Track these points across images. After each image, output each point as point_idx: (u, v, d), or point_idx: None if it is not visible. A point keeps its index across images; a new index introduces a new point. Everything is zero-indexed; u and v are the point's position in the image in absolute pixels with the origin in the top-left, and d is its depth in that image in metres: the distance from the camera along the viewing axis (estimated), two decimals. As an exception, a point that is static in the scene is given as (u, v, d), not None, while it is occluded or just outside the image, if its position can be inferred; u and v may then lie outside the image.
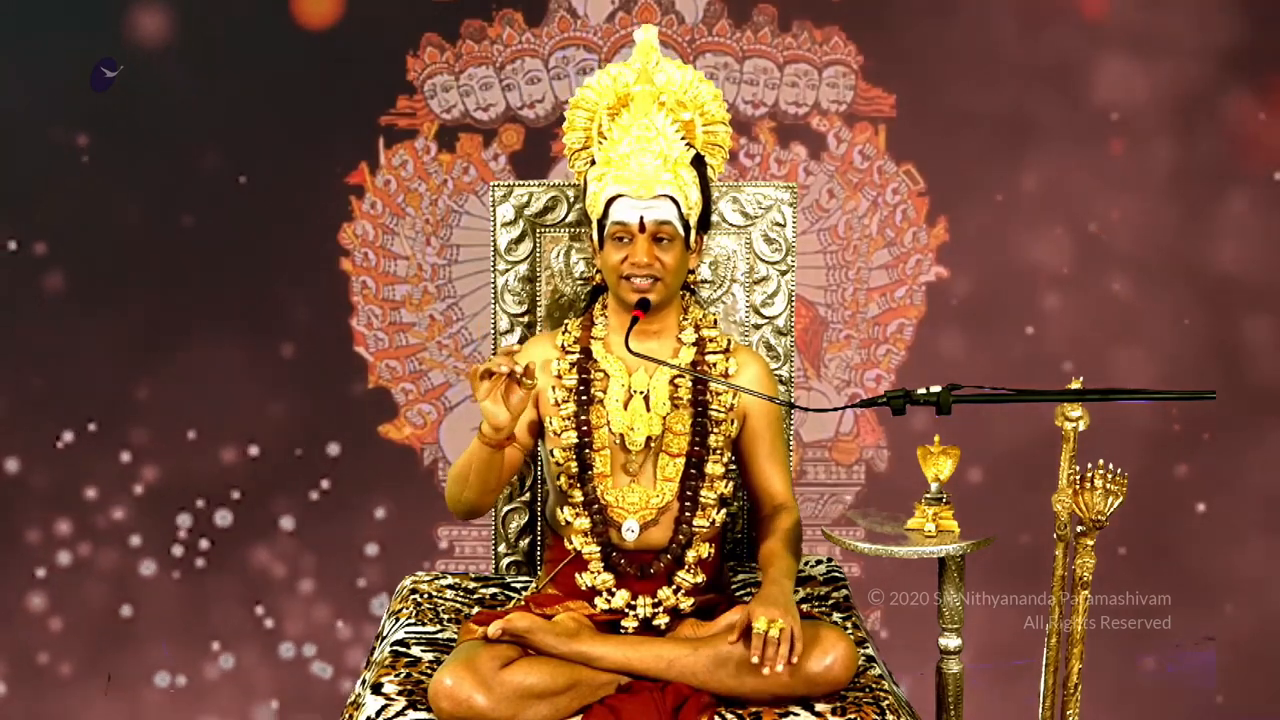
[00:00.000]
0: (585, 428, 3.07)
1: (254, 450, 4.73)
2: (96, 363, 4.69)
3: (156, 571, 4.73)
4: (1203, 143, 4.71)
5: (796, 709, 2.85)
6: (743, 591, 3.31)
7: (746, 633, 2.83)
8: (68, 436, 4.71)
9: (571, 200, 3.40)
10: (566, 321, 3.20)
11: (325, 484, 4.74)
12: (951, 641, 3.05)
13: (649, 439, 3.08)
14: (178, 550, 4.73)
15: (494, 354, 3.22)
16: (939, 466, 3.01)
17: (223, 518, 4.73)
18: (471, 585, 3.41)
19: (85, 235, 4.68)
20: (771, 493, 3.17)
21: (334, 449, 4.73)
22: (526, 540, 3.50)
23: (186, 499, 4.73)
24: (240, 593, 4.75)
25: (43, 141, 4.66)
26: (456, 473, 3.01)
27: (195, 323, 4.70)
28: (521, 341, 3.38)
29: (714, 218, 3.37)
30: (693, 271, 3.18)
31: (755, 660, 2.80)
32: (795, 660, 2.81)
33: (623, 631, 3.02)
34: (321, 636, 4.77)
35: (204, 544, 4.74)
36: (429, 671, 2.96)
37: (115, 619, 4.73)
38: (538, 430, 3.15)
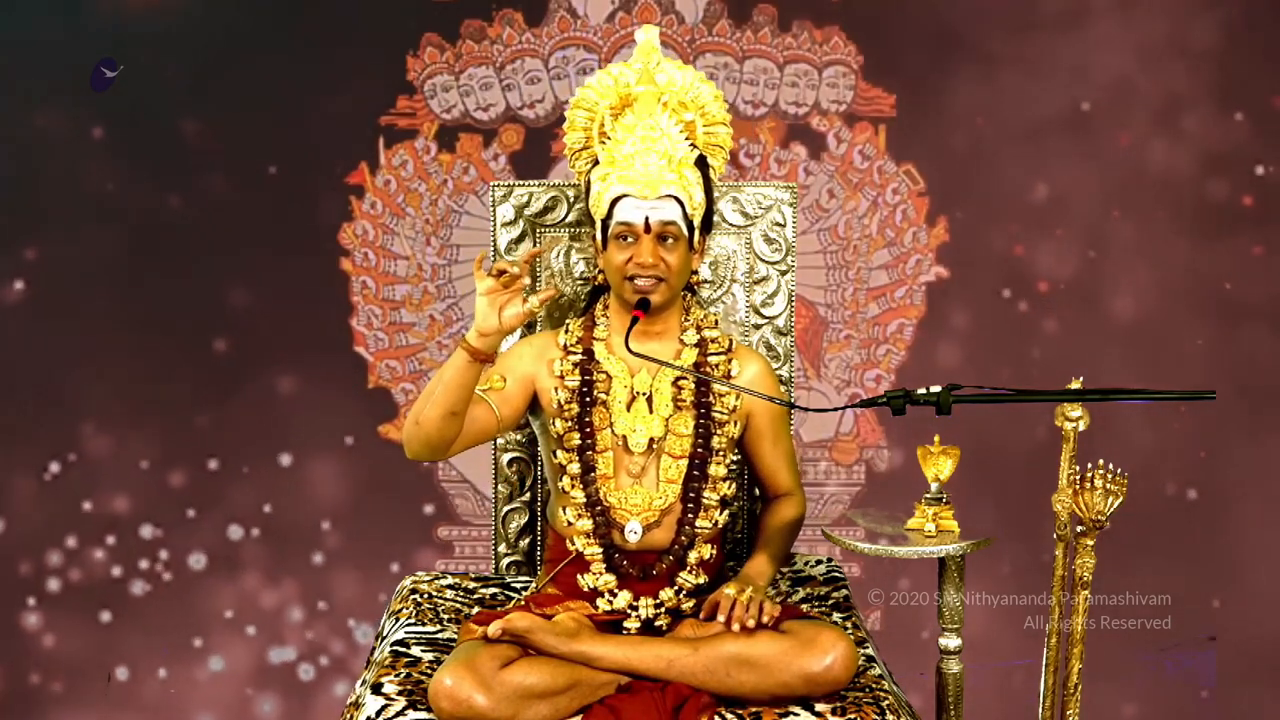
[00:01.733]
0: (588, 429, 3.07)
1: (247, 446, 4.73)
2: (91, 365, 4.69)
3: (171, 565, 4.76)
4: (1205, 141, 4.71)
5: (796, 709, 2.85)
6: (743, 591, 3.31)
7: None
8: (68, 461, 4.73)
9: (571, 200, 3.40)
10: (568, 321, 3.20)
11: (323, 484, 4.74)
12: (951, 641, 3.05)
13: (651, 440, 3.08)
14: (182, 550, 4.76)
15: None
16: (939, 466, 3.01)
17: (222, 518, 4.75)
18: (471, 585, 3.40)
19: (79, 235, 4.68)
20: (776, 484, 3.22)
21: (333, 449, 4.73)
22: (526, 540, 3.50)
23: (182, 501, 4.75)
24: (237, 588, 4.75)
25: (38, 137, 4.67)
26: (424, 391, 2.99)
27: (195, 323, 4.70)
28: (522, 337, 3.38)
29: (714, 218, 3.37)
30: (695, 272, 3.18)
31: (721, 619, 2.87)
32: (765, 621, 2.87)
33: (624, 632, 3.02)
34: (318, 634, 4.77)
35: (208, 542, 4.75)
36: (429, 671, 2.96)
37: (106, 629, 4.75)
38: (523, 415, 3.14)
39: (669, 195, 3.02)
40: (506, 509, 3.49)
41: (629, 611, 3.04)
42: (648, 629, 3.04)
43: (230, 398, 4.71)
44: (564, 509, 3.09)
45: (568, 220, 3.41)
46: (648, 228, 3.02)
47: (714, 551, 3.10)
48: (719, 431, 3.10)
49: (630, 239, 3.04)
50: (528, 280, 2.89)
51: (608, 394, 3.10)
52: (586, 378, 3.10)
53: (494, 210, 3.42)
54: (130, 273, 4.68)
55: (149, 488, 4.72)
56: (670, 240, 3.04)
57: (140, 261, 4.68)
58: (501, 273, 2.89)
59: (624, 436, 3.08)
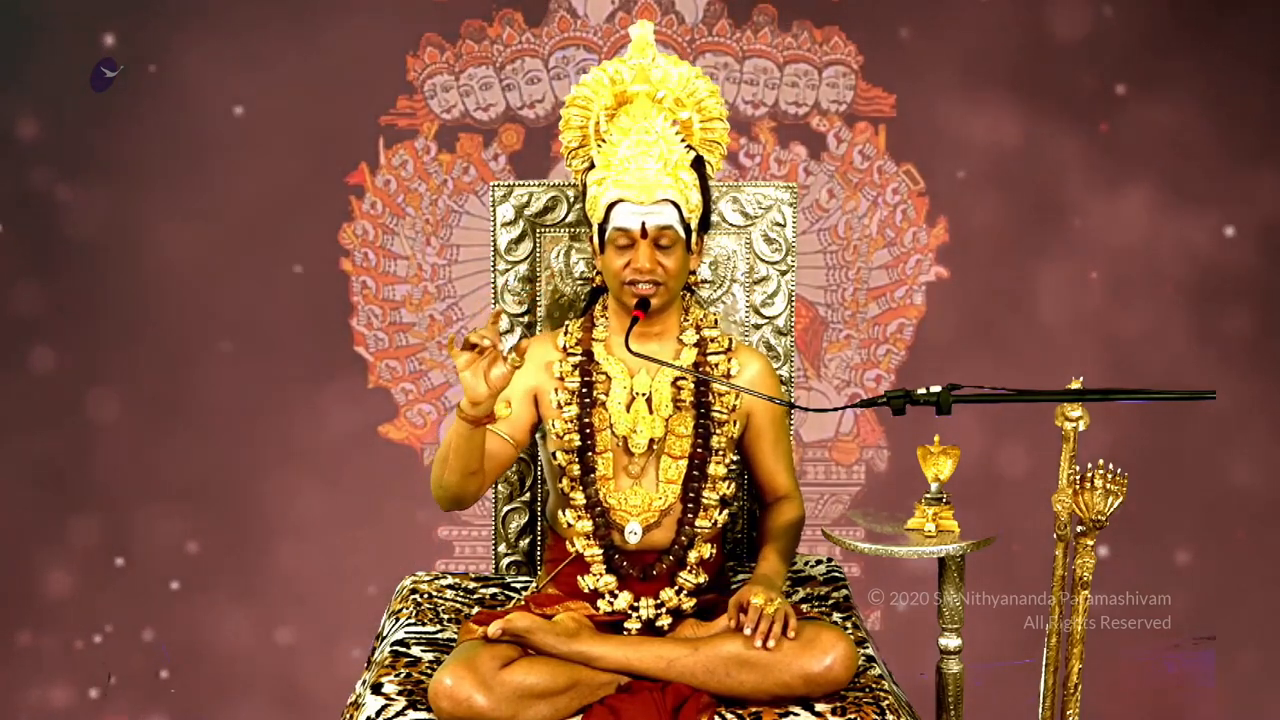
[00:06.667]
0: (588, 430, 3.07)
1: (248, 447, 4.73)
2: (86, 365, 4.70)
3: (175, 563, 4.76)
4: (1204, 139, 4.71)
5: (796, 709, 2.85)
6: (743, 591, 3.31)
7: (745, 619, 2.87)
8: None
9: (571, 200, 3.40)
10: (567, 322, 3.20)
11: (323, 484, 4.74)
12: (951, 641, 3.05)
13: (651, 441, 3.08)
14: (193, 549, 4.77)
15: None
16: (939, 466, 3.01)
17: (225, 516, 4.75)
18: (471, 585, 3.41)
19: (75, 233, 4.68)
20: (775, 486, 3.21)
21: (332, 449, 4.73)
22: (526, 540, 3.50)
23: (184, 498, 4.75)
24: (241, 590, 4.76)
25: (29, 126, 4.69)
26: (439, 455, 2.98)
27: (194, 322, 4.70)
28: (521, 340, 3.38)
29: (714, 218, 3.37)
30: (693, 272, 3.18)
31: (748, 631, 2.85)
32: (791, 635, 2.84)
33: (625, 632, 3.02)
34: (320, 636, 4.77)
35: (211, 539, 4.75)
36: (429, 671, 2.96)
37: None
38: (535, 429, 3.14)
39: (665, 199, 3.01)
40: (506, 509, 3.49)
41: (629, 612, 3.04)
42: (649, 629, 3.04)
43: (230, 398, 4.72)
44: (564, 510, 3.09)
45: (568, 220, 3.41)
46: (644, 233, 3.01)
47: (714, 551, 3.10)
48: (719, 431, 3.09)
49: (627, 244, 3.03)
50: (505, 328, 2.89)
51: (607, 395, 3.10)
52: (586, 379, 3.10)
53: (494, 210, 3.42)
54: (120, 273, 4.69)
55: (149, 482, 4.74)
56: (667, 244, 3.03)
57: (131, 259, 4.69)
58: (473, 345, 2.84)
59: (624, 437, 3.07)
